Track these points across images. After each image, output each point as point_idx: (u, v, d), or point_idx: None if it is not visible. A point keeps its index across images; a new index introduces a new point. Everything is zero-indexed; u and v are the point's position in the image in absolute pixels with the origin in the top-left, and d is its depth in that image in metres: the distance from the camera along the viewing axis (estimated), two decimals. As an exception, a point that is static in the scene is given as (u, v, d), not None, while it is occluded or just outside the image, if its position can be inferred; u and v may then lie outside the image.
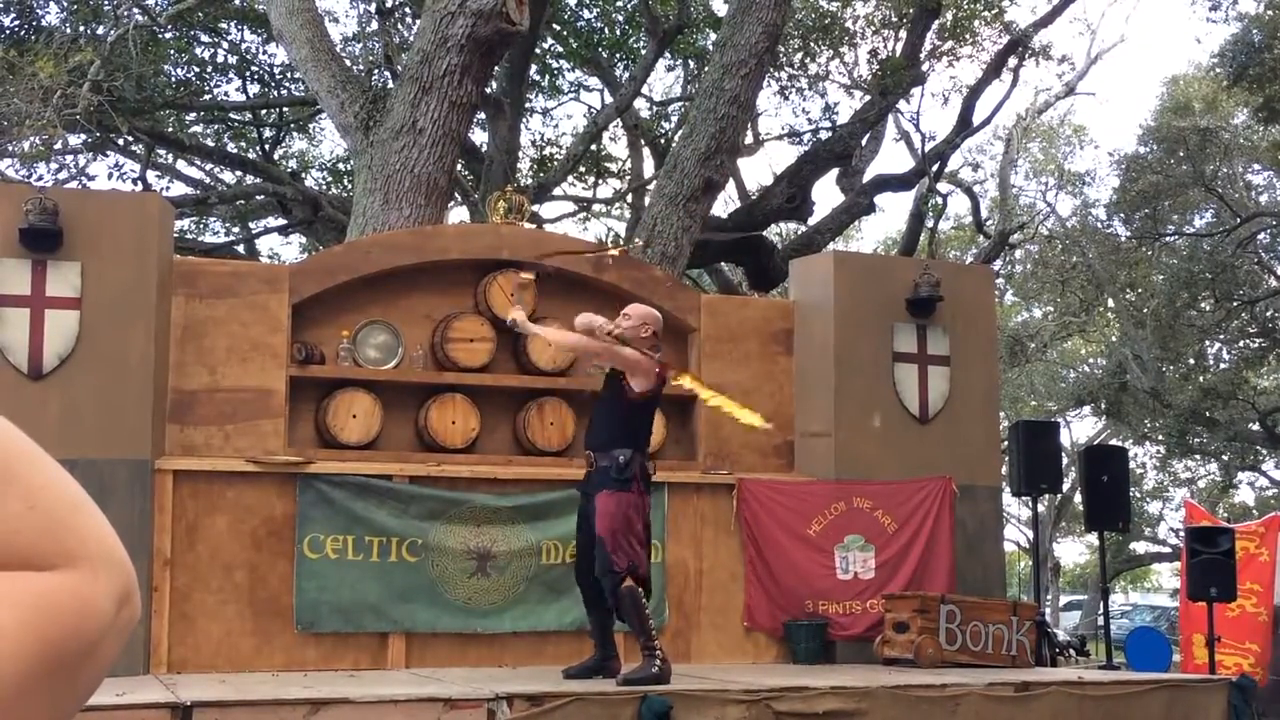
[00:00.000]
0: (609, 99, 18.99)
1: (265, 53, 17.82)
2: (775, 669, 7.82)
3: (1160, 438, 27.61)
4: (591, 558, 6.66)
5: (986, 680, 6.91)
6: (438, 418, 8.00)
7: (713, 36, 15.87)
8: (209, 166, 19.50)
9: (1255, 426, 24.99)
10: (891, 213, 71.10)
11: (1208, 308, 23.60)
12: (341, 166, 19.25)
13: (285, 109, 18.84)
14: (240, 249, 19.00)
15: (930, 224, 21.72)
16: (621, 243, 7.43)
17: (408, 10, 16.97)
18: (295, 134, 20.44)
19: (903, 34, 17.84)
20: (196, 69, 17.57)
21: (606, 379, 6.92)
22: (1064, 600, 34.25)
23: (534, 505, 7.81)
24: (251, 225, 20.19)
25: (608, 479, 6.59)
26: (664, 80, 21.98)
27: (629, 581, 6.52)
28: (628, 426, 6.73)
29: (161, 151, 18.01)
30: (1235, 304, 23.18)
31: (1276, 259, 24.28)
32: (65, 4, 15.63)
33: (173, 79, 16.95)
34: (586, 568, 6.77)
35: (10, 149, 13.40)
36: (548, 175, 18.27)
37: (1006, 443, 12.57)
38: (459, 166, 13.71)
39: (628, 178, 20.70)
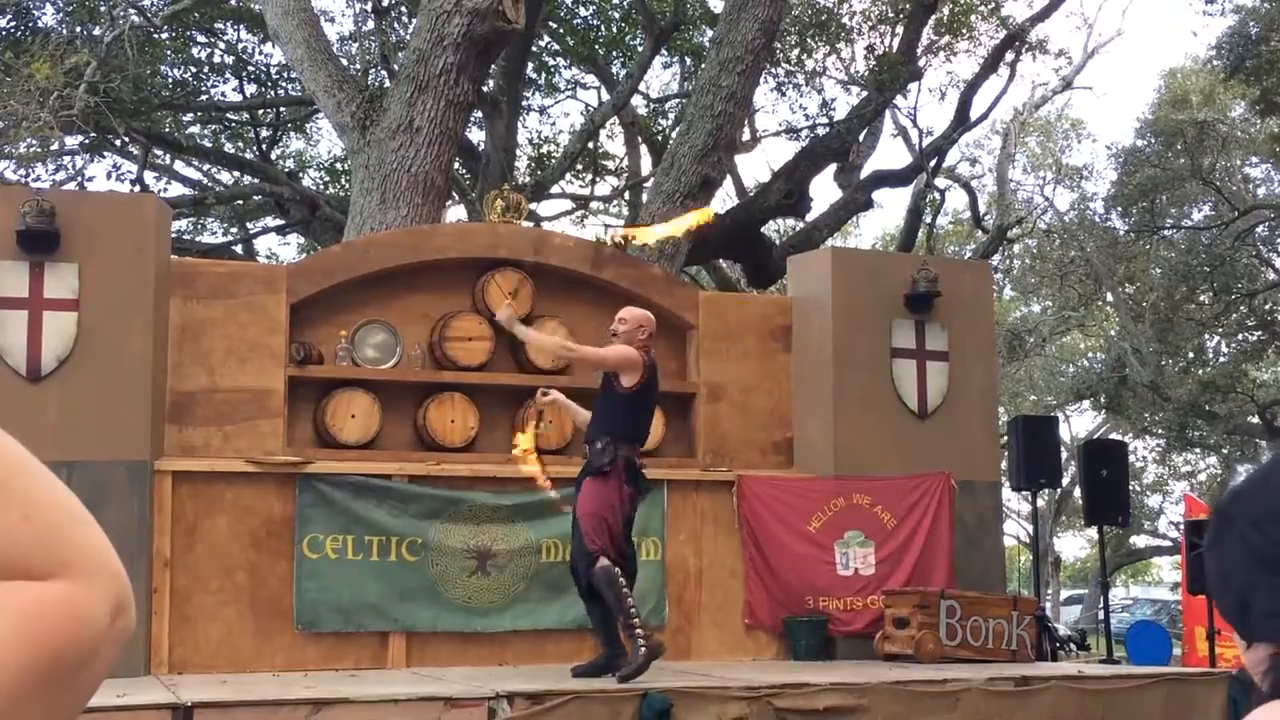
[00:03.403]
0: (606, 96, 18.99)
1: (261, 53, 17.83)
2: (776, 665, 7.82)
3: (1160, 431, 27.62)
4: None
5: (987, 675, 6.92)
6: (436, 417, 8.00)
7: (709, 33, 15.86)
8: (206, 167, 19.49)
9: (1255, 419, 24.99)
10: (889, 209, 70.96)
11: (1206, 301, 23.60)
12: (339, 166, 19.25)
13: (282, 109, 18.84)
14: (238, 249, 18.99)
15: (928, 219, 21.72)
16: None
17: (404, 9, 16.95)
18: (292, 134, 20.44)
19: (899, 29, 17.83)
20: (193, 69, 17.56)
21: (603, 375, 7.02)
22: (1064, 595, 34.26)
23: (533, 504, 7.80)
24: (249, 225, 20.18)
25: (590, 467, 6.75)
26: (661, 77, 21.99)
27: (604, 560, 6.58)
28: (618, 419, 6.84)
29: (159, 152, 18.00)
30: (1234, 297, 23.17)
31: (1275, 252, 24.28)
32: (61, 5, 15.62)
33: (169, 80, 16.95)
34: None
35: (7, 151, 13.38)
36: (545, 173, 18.26)
37: (1006, 438, 12.58)
38: (456, 165, 13.70)
39: (625, 175, 20.69)
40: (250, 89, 18.27)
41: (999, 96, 20.46)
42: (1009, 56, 19.36)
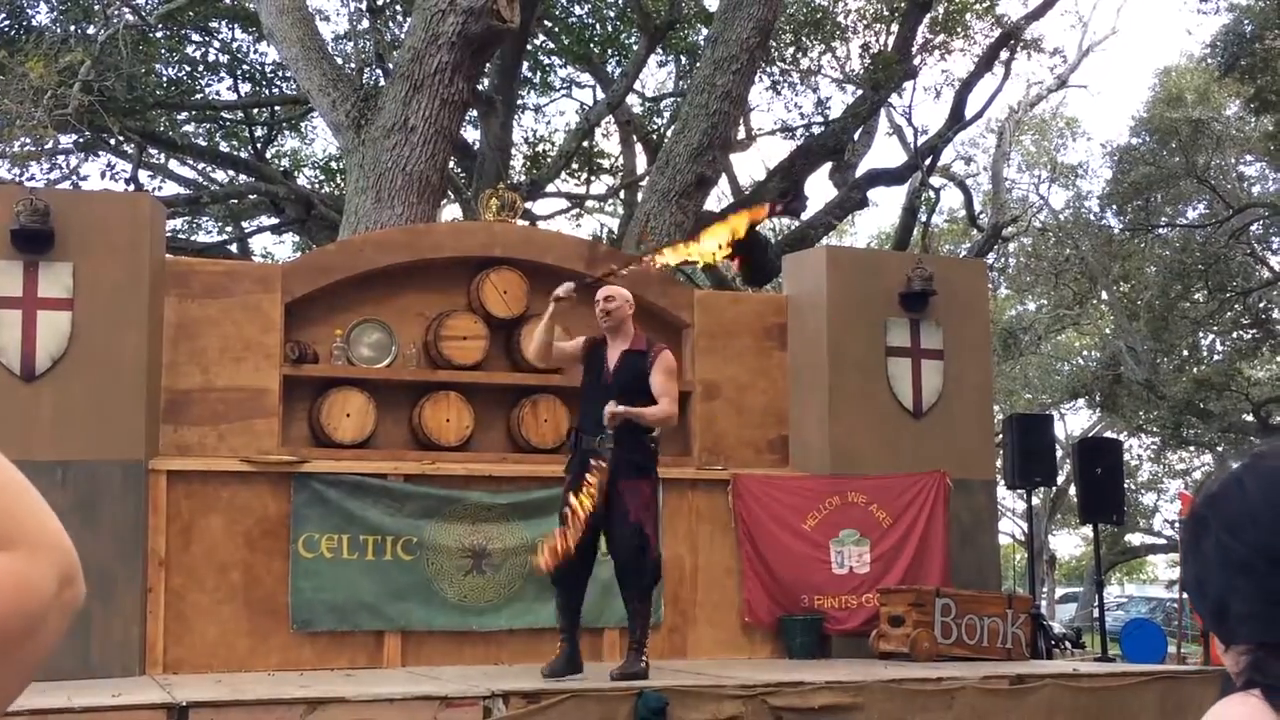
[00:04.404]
0: (601, 95, 18.98)
1: (256, 51, 17.81)
2: (771, 664, 7.83)
3: (1154, 429, 27.65)
4: (588, 551, 6.58)
5: (982, 673, 6.92)
6: (431, 416, 7.99)
7: (704, 32, 15.86)
8: (201, 166, 19.47)
9: (1249, 417, 25.01)
10: (884, 207, 71.04)
11: (1201, 299, 23.63)
12: (334, 165, 19.24)
13: (277, 108, 18.82)
14: (233, 248, 18.98)
15: (923, 218, 21.73)
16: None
17: (399, 8, 16.95)
18: (287, 133, 20.43)
19: (894, 28, 17.85)
20: (187, 68, 17.56)
21: (626, 367, 6.67)
22: (1059, 593, 34.29)
23: (529, 502, 7.80)
24: (244, 224, 20.17)
25: (635, 465, 6.53)
26: (656, 76, 21.96)
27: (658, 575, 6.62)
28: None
29: (153, 151, 17.98)
30: (1228, 295, 23.20)
31: (1269, 250, 24.30)
32: (55, 4, 15.60)
33: (164, 78, 16.93)
34: (582, 562, 6.57)
35: (1, 150, 13.36)
36: (540, 172, 18.26)
37: (1001, 436, 12.59)
38: (451, 164, 13.69)
39: (620, 174, 20.70)
40: (245, 88, 18.27)
41: (994, 95, 20.46)
42: (1004, 55, 19.39)
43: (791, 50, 18.64)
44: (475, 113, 15.92)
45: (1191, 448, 29.74)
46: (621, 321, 6.76)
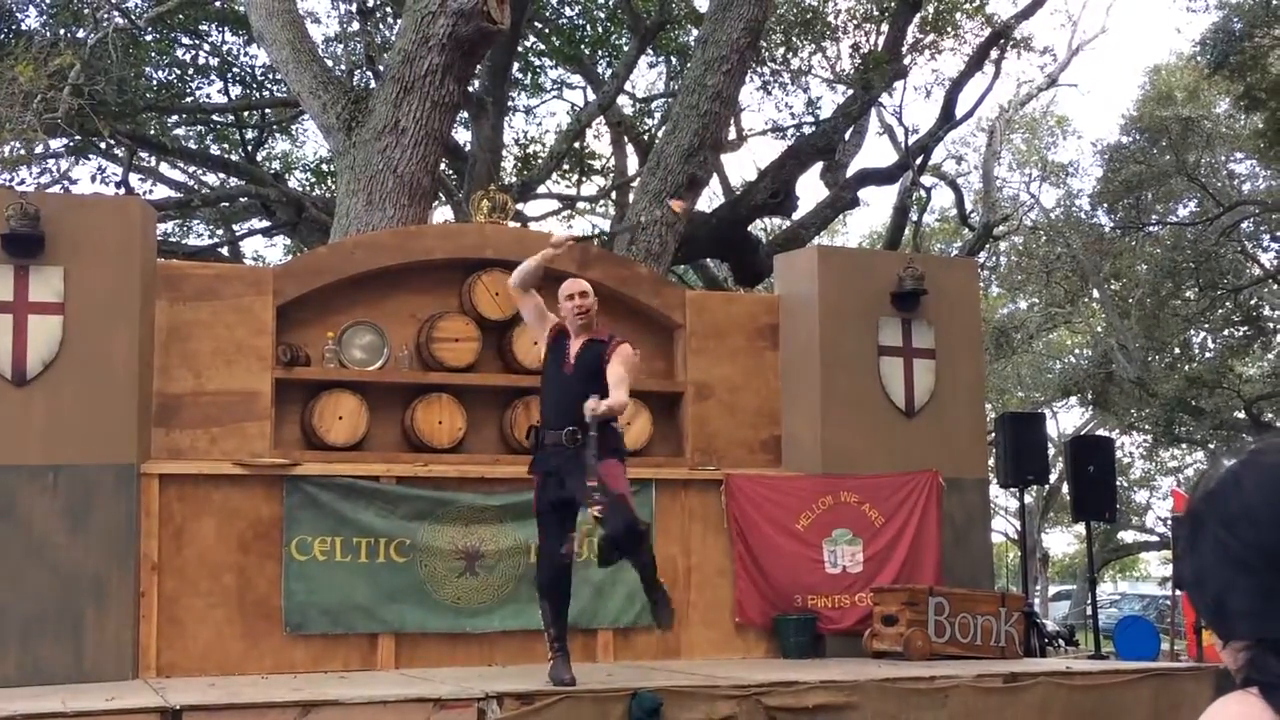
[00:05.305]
0: (592, 96, 18.99)
1: (246, 54, 17.80)
2: (765, 664, 7.83)
3: (1146, 427, 27.68)
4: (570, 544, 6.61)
5: (975, 672, 6.94)
6: (424, 418, 7.99)
7: (695, 32, 15.86)
8: (192, 169, 19.45)
9: (1240, 414, 25.06)
10: (876, 207, 71.10)
11: (1192, 297, 23.66)
12: (325, 167, 19.22)
13: (267, 110, 18.80)
14: (224, 251, 18.95)
15: (914, 217, 21.75)
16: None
17: (389, 10, 16.94)
18: (278, 135, 20.41)
19: (884, 27, 17.86)
20: (178, 71, 17.52)
21: (585, 355, 6.66)
22: (1053, 591, 34.33)
23: (522, 504, 7.77)
24: (235, 227, 20.15)
25: (610, 449, 6.51)
26: (647, 77, 22.04)
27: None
28: None
29: (144, 155, 17.96)
30: (1219, 293, 23.23)
31: (1259, 247, 24.35)
32: (44, 7, 15.57)
33: (154, 82, 16.91)
34: (565, 561, 6.64)
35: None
36: (531, 173, 18.26)
37: (993, 434, 12.61)
38: (442, 166, 13.69)
39: (611, 175, 20.70)
40: (235, 91, 18.24)
41: (984, 94, 20.53)
42: (994, 54, 19.41)
43: (782, 50, 18.65)
44: (466, 114, 15.92)
45: (1183, 445, 29.78)
46: (593, 320, 6.77)
